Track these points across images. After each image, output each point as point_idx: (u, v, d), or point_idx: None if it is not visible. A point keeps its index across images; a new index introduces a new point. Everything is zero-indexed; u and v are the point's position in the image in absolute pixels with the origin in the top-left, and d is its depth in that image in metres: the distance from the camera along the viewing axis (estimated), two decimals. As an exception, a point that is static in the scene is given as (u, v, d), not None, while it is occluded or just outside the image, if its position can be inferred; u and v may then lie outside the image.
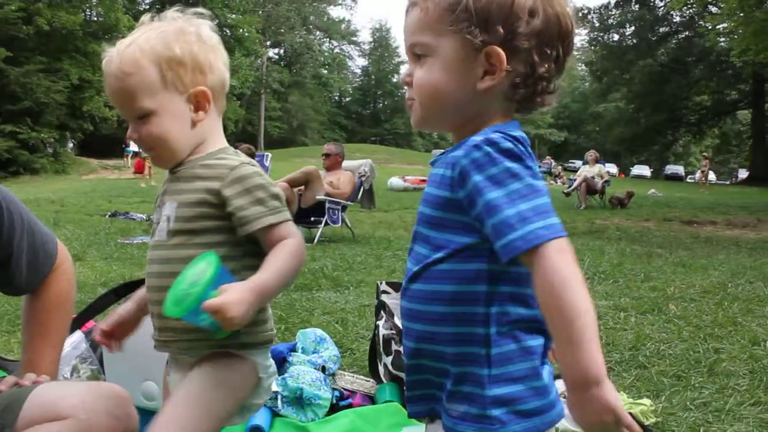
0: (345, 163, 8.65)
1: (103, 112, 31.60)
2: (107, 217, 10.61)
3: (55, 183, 24.51)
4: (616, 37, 44.85)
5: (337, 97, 78.04)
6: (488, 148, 1.00)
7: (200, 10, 1.47)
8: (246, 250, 1.35)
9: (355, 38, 78.64)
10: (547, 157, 43.88)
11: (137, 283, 1.87)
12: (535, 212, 0.96)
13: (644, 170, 50.32)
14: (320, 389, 2.24)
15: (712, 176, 45.75)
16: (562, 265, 0.94)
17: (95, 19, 35.67)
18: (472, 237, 1.03)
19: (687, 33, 41.50)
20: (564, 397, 2.18)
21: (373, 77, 78.36)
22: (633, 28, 43.75)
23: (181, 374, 1.42)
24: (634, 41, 43.28)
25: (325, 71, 71.87)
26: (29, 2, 29.27)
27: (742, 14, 19.02)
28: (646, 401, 2.37)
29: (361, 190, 8.52)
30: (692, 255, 6.97)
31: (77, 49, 32.32)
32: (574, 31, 1.09)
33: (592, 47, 44.88)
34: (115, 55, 1.34)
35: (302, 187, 7.93)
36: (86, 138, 34.52)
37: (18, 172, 27.86)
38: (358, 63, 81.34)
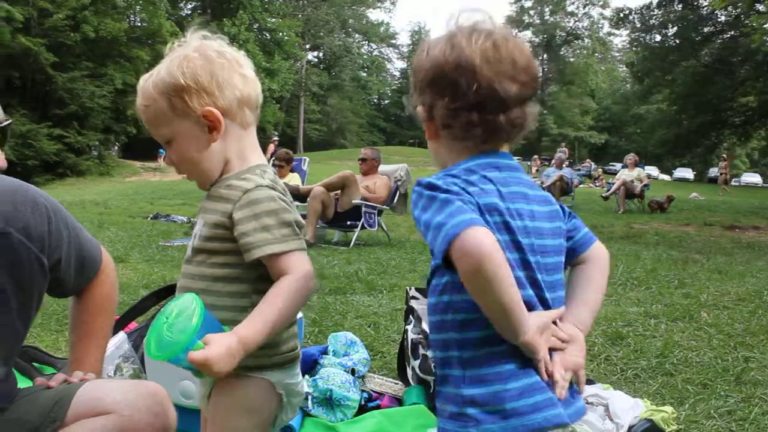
0: (381, 168, 8.72)
1: (145, 116, 32.30)
2: (149, 219, 10.89)
3: (99, 185, 25.21)
4: (658, 37, 43.95)
5: (375, 100, 78.28)
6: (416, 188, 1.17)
7: (207, 33, 1.51)
8: (260, 273, 1.35)
9: (393, 41, 78.90)
10: (587, 159, 43.28)
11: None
12: (448, 216, 1.08)
13: (687, 173, 49.33)
14: (349, 391, 2.33)
15: (749, 178, 44.29)
16: (472, 248, 1.04)
17: (139, 24, 36.57)
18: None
19: (732, 32, 40.45)
20: (588, 403, 2.23)
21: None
22: (676, 28, 42.75)
23: (203, 389, 1.49)
24: (677, 41, 42.29)
25: (364, 74, 72.21)
26: (77, 10, 30.19)
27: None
28: (668, 408, 2.39)
29: (397, 194, 8.60)
30: (730, 261, 6.87)
31: (121, 54, 33.22)
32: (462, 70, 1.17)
33: (633, 48, 44.12)
34: (138, 90, 1.44)
35: (339, 192, 8.06)
36: (129, 141, 35.38)
37: (65, 174, 28.75)
38: (396, 65, 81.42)
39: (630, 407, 2.36)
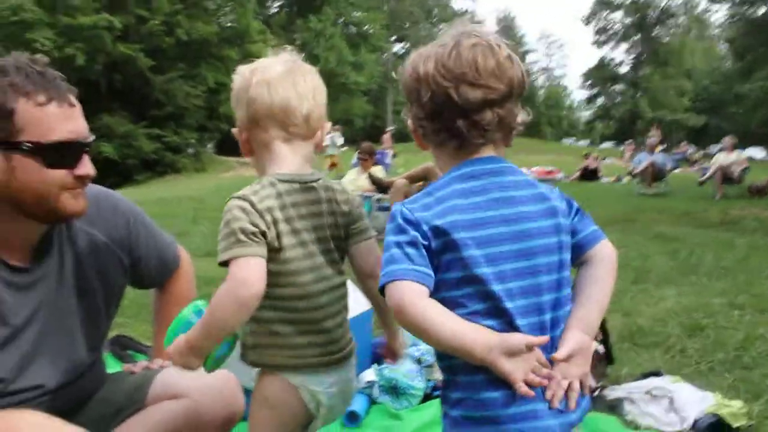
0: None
1: (238, 113, 33.55)
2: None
3: (196, 181, 26.32)
4: (761, 10, 41.30)
5: (461, 89, 77.54)
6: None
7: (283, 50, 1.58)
8: (270, 281, 1.38)
9: (478, 29, 77.89)
10: (683, 143, 41.24)
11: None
12: (387, 261, 1.19)
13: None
14: (414, 380, 2.43)
15: None
16: (394, 301, 1.16)
17: (228, 25, 37.81)
18: None
19: None
20: (653, 396, 2.22)
21: (498, 66, 77.11)
22: (781, -1, 40.06)
23: None
24: (782, 14, 39.60)
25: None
26: (170, 15, 31.62)
27: None
28: (737, 403, 2.34)
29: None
30: (834, 249, 6.46)
31: (213, 55, 34.49)
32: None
33: (733, 23, 41.66)
34: None
35: (422, 183, 8.16)
36: (224, 138, 36.77)
37: (164, 171, 30.25)
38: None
39: (697, 400, 2.33)
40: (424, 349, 2.66)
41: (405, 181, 7.92)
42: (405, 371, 2.45)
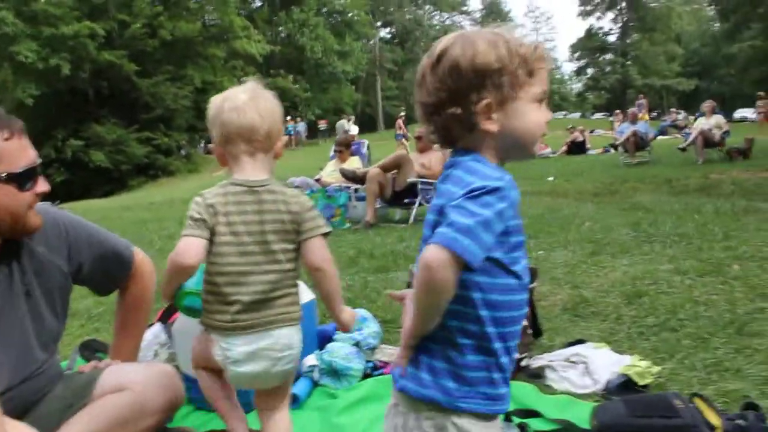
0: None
1: (227, 111, 33.67)
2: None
3: (189, 182, 26.54)
4: (744, -31, 41.05)
5: (451, 70, 77.33)
6: None
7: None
8: (207, 259, 1.85)
9: (465, 7, 77.65)
10: (672, 109, 41.23)
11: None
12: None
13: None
14: (351, 362, 2.64)
15: None
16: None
17: (212, 23, 37.88)
18: None
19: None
20: (571, 362, 2.41)
21: (487, 45, 76.78)
22: (763, -43, 39.83)
23: None
24: (766, -29, 39.36)
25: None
26: (152, 18, 31.71)
27: None
28: (645, 363, 2.53)
29: (453, 167, 8.75)
30: (796, 208, 6.64)
31: (198, 54, 34.64)
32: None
33: (717, -16, 41.43)
34: None
35: (395, 171, 8.33)
36: (214, 136, 36.96)
37: (156, 175, 30.49)
38: (469, 32, 79.89)
39: (610, 364, 2.53)
40: (366, 333, 2.87)
41: (378, 171, 8.10)
42: (344, 354, 2.66)
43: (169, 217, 10.30)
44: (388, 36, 68.53)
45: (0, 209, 1.77)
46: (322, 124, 42.62)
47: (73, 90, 30.99)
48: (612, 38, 66.74)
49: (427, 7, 72.75)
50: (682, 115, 37.41)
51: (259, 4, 51.19)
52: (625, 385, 2.41)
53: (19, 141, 1.79)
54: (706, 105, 14.73)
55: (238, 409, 2.02)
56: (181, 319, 2.64)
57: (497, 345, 1.22)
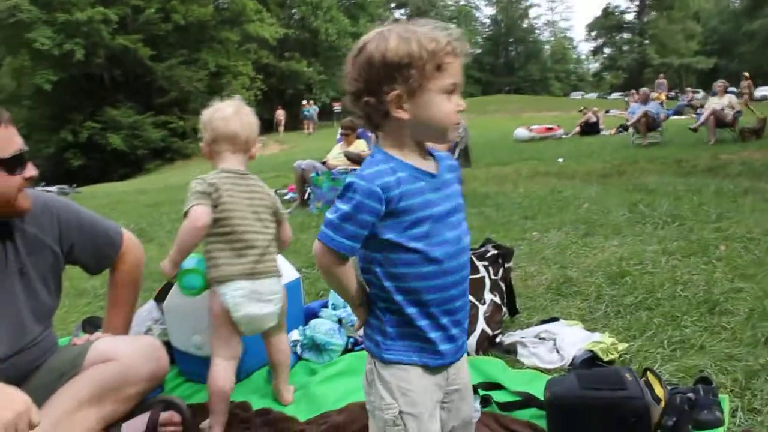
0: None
1: (242, 94, 33.86)
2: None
3: (204, 165, 26.70)
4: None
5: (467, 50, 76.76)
6: None
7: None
8: (214, 224, 2.26)
9: (478, -13, 76.90)
10: (688, 88, 40.64)
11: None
12: None
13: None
14: (332, 337, 2.79)
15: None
16: None
17: (225, 6, 37.90)
18: None
19: None
20: (541, 338, 2.54)
21: (502, 25, 76.23)
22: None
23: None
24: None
25: (453, 25, 70.75)
26: (165, 2, 31.85)
27: None
28: (610, 339, 2.64)
29: (457, 150, 8.84)
30: (796, 189, 6.63)
31: (212, 38, 34.76)
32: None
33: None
34: None
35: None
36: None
37: (172, 158, 30.80)
38: (485, 12, 79.28)
39: (578, 341, 2.64)
40: (350, 311, 3.00)
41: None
42: (326, 330, 2.80)
43: (180, 200, 10.44)
44: (403, 17, 68.10)
45: None
46: (337, 107, 42.62)
47: (89, 75, 31.29)
48: (629, 17, 65.89)
49: (440, -14, 72.09)
50: (700, 94, 36.84)
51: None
52: (590, 361, 2.51)
53: (6, 130, 1.92)
54: (718, 84, 14.58)
55: (225, 415, 2.30)
56: (172, 297, 2.79)
57: (410, 310, 1.39)
